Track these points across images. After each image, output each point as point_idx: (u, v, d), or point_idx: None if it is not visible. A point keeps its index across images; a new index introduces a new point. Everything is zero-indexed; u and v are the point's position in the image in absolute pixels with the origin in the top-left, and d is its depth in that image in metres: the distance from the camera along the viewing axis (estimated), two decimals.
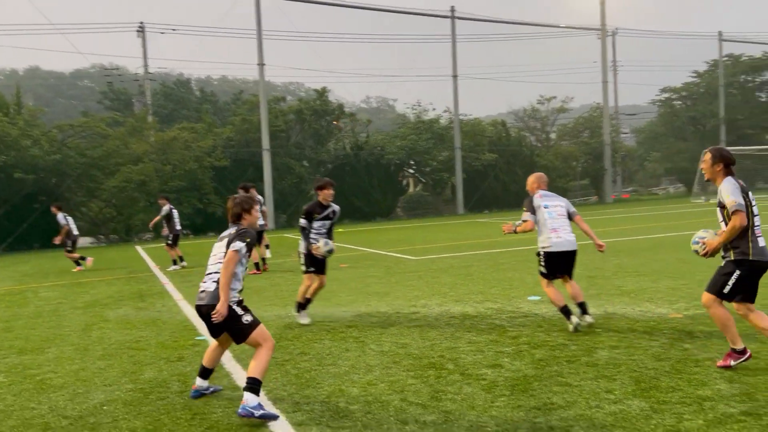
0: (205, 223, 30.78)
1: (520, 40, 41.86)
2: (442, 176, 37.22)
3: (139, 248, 24.19)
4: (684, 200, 40.29)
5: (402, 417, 4.62)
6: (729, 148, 30.29)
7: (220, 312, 4.76)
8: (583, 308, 7.05)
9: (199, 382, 5.31)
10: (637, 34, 52.84)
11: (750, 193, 5.27)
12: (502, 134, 40.53)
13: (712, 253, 5.31)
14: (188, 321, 8.78)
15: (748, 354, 5.22)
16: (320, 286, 8.24)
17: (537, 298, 8.94)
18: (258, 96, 33.03)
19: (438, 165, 36.33)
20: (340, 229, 28.61)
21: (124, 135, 29.18)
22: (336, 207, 8.20)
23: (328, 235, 8.12)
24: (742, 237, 5.14)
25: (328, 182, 8.09)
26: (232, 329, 4.92)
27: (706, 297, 5.29)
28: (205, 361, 5.29)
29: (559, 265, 6.99)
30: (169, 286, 12.38)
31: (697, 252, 5.43)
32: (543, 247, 6.97)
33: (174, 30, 36.37)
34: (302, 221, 8.02)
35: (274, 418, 4.64)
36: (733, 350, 5.23)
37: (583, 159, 43.66)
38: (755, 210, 5.25)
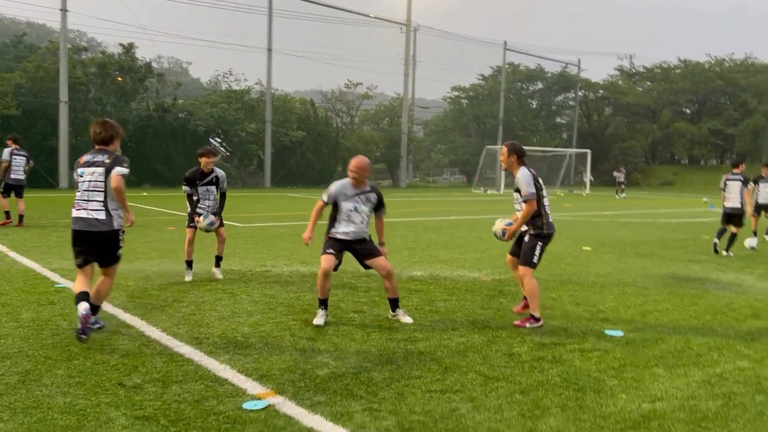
0: None
1: (331, 23, 43.03)
2: (251, 148, 37.36)
3: None
4: (465, 189, 44.78)
5: (298, 346, 5.51)
6: (503, 146, 34.66)
7: (131, 220, 5.92)
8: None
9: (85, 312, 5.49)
10: (435, 33, 57.00)
11: (540, 179, 6.43)
12: (311, 113, 41.66)
13: (512, 236, 6.53)
14: (33, 271, 8.68)
15: (541, 323, 6.32)
16: (221, 241, 8.59)
17: None
18: (56, 43, 30.42)
19: (247, 136, 36.42)
20: (144, 193, 27.71)
21: None
22: (220, 172, 8.54)
23: (220, 202, 8.53)
24: (537, 217, 6.34)
25: (206, 151, 8.45)
26: (110, 252, 5.72)
27: (522, 269, 6.39)
28: (84, 286, 5.60)
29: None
30: None
31: (499, 237, 6.59)
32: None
33: None
34: (184, 188, 8.42)
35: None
36: (532, 316, 6.33)
37: (383, 145, 46.41)
38: (544, 192, 6.44)
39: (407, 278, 8.88)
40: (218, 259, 8.67)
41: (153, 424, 3.84)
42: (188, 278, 8.31)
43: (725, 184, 12.41)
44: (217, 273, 8.58)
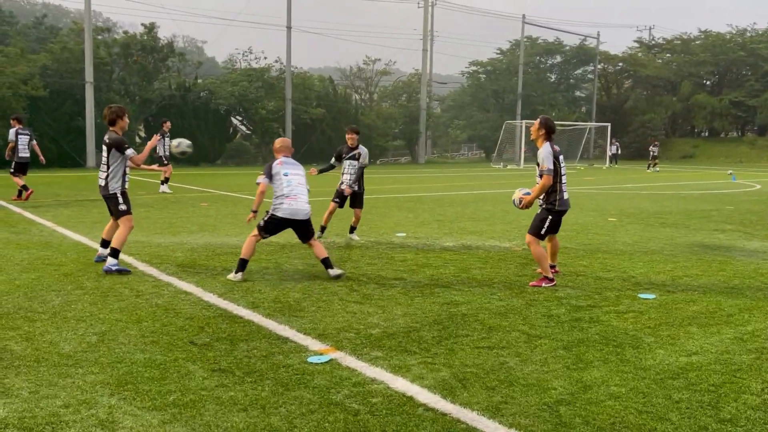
0: None
1: None
2: (272, 126, 37.62)
3: None
4: (484, 165, 44.80)
5: (348, 309, 5.85)
6: (523, 121, 34.65)
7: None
8: (326, 264, 7.10)
9: (101, 251, 7.64)
10: (453, 8, 56.95)
11: (561, 157, 6.90)
12: (330, 90, 41.78)
13: (527, 206, 7.17)
14: (83, 244, 9.10)
15: (554, 282, 6.87)
16: (355, 219, 9.77)
17: (403, 234, 10.50)
18: (80, 24, 30.75)
19: (267, 114, 36.68)
20: None
21: None
22: (363, 149, 9.63)
23: (359, 177, 9.62)
24: (551, 192, 6.87)
25: (350, 129, 9.80)
26: (114, 209, 7.39)
27: (529, 237, 6.96)
28: (104, 234, 7.67)
29: (282, 227, 7.09)
30: (28, 214, 12.13)
31: (516, 205, 7.31)
32: (274, 209, 6.97)
33: None
34: (332, 161, 9.92)
35: (128, 272, 7.13)
36: (545, 277, 6.88)
37: (401, 121, 46.48)
38: (563, 170, 6.92)
39: (440, 248, 9.18)
40: (352, 229, 9.92)
41: (229, 375, 4.20)
42: (318, 234, 9.37)
43: None
44: (354, 237, 9.81)
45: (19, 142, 14.39)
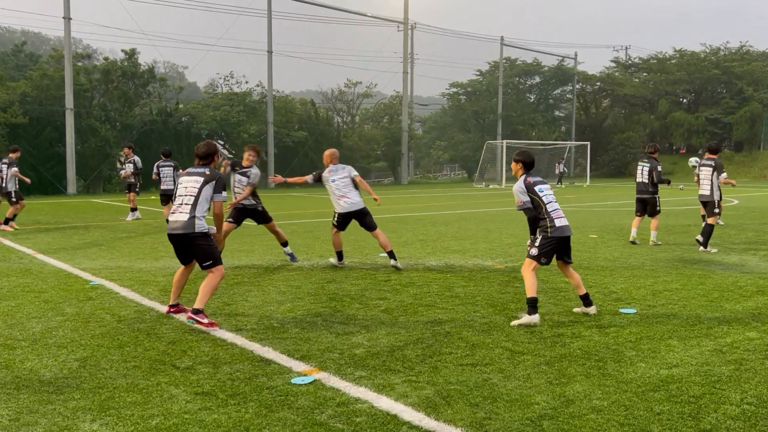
0: None
1: (329, 23, 43.46)
2: None
3: None
4: (466, 185, 45.06)
5: (331, 330, 5.85)
6: (504, 141, 34.78)
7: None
8: (391, 255, 9.10)
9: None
10: (432, 31, 57.72)
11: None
12: (312, 113, 41.96)
13: None
14: (64, 271, 9.01)
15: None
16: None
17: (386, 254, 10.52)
18: (60, 51, 30.70)
19: (249, 138, 36.73)
20: (152, 197, 28.01)
21: None
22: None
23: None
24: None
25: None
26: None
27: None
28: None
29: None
30: (7, 242, 12.01)
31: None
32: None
33: None
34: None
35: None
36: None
37: (383, 143, 46.71)
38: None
39: (424, 268, 9.22)
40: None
41: (213, 398, 4.18)
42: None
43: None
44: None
45: (162, 174, 14.97)
